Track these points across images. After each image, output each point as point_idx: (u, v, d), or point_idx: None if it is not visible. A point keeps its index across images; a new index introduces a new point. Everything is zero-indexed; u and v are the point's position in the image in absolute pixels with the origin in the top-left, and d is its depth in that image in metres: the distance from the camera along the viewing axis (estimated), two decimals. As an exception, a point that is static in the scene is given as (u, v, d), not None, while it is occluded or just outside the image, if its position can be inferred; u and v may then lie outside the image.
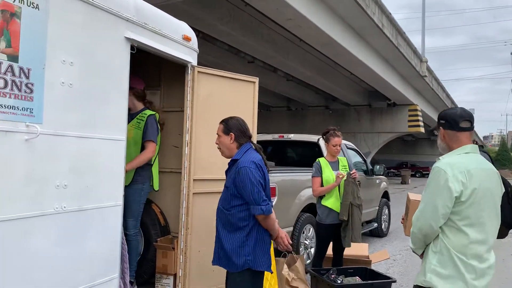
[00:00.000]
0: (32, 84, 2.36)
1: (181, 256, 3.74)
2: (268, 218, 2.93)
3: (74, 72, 2.63)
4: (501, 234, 3.33)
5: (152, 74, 4.57)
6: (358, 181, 5.00)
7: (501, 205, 3.14)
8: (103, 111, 2.87)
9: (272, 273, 3.19)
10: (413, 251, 2.56)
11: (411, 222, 2.58)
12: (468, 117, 2.47)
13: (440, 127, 2.53)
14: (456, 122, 2.46)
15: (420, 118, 24.68)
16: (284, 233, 3.14)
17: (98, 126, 2.83)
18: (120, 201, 3.03)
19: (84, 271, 2.73)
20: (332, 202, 4.77)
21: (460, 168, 2.33)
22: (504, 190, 2.51)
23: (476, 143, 3.33)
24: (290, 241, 3.19)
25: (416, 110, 24.61)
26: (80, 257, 2.70)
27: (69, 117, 2.61)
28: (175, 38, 3.65)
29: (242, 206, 2.92)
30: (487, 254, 2.38)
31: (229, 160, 3.22)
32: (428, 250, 2.44)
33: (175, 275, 3.81)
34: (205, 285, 3.89)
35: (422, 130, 25.19)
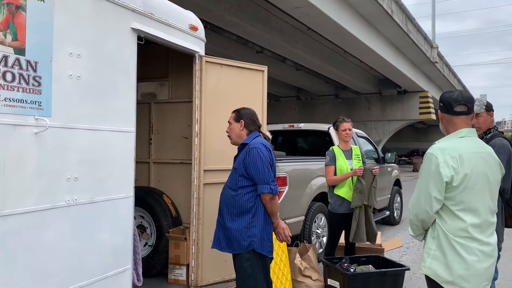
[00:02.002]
0: (40, 77, 2.35)
1: (193, 246, 3.75)
2: (275, 198, 3.01)
3: (81, 64, 2.62)
4: (508, 222, 3.30)
5: (159, 65, 4.56)
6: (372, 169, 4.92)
7: (510, 193, 3.12)
8: (111, 102, 2.86)
9: (272, 258, 3.22)
10: (414, 238, 2.55)
11: None
12: (464, 101, 2.42)
13: (439, 110, 2.52)
14: (451, 105, 2.43)
15: (431, 105, 24.40)
16: (284, 224, 3.17)
17: (107, 118, 2.82)
18: (131, 193, 3.03)
19: (97, 263, 2.75)
20: (345, 192, 4.73)
21: (452, 153, 2.32)
22: (504, 172, 2.47)
23: (496, 130, 3.29)
24: (290, 233, 3.21)
25: (427, 97, 24.33)
26: (93, 249, 2.71)
27: (78, 109, 2.60)
28: (182, 28, 3.62)
29: (249, 188, 2.99)
30: (486, 237, 2.36)
31: (237, 147, 3.25)
32: (427, 236, 2.44)
33: (187, 265, 3.83)
34: (217, 275, 3.90)
35: (434, 117, 24.90)
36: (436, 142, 2.44)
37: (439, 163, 2.32)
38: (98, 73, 2.75)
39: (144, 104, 4.54)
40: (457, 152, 2.33)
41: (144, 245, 4.13)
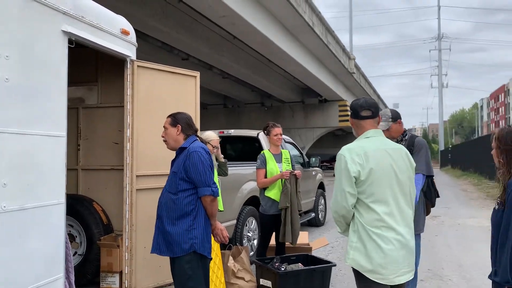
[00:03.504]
0: (-35, 78, 2.25)
1: (127, 253, 3.71)
2: (215, 200, 3.08)
3: (9, 66, 2.52)
4: (426, 211, 3.85)
5: (88, 69, 4.45)
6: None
7: (427, 187, 3.59)
8: (41, 106, 2.78)
9: (211, 259, 3.30)
10: (342, 234, 2.76)
11: None
12: (368, 106, 2.72)
13: (350, 117, 2.83)
14: (358, 111, 2.72)
15: (350, 113, 25.84)
16: (222, 226, 3.28)
17: (37, 122, 2.73)
18: (63, 199, 2.94)
19: (29, 272, 2.64)
20: (275, 193, 4.93)
21: (358, 151, 2.58)
22: (413, 167, 2.75)
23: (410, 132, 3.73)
24: (227, 234, 3.32)
25: (346, 105, 25.75)
26: (24, 258, 2.60)
27: (6, 113, 2.50)
28: (113, 32, 3.60)
29: (189, 191, 3.03)
30: (401, 227, 2.58)
31: (173, 152, 3.29)
32: (349, 230, 2.65)
33: (120, 273, 3.76)
34: (152, 280, 3.88)
35: (352, 124, 26.38)
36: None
37: (347, 161, 2.56)
38: (27, 76, 2.67)
39: (71, 109, 4.39)
40: (363, 150, 2.58)
41: (74, 254, 3.97)
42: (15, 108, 2.56)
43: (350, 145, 2.67)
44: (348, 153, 2.59)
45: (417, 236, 3.62)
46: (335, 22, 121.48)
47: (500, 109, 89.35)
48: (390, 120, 3.68)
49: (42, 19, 2.79)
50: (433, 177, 3.85)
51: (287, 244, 5.45)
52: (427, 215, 3.87)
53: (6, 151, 2.49)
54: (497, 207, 2.40)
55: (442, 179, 27.26)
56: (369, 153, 2.59)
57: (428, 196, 3.74)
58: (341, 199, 2.58)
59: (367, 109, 2.71)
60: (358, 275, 2.62)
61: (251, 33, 13.18)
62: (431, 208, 3.97)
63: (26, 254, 2.63)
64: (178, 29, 12.73)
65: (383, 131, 3.27)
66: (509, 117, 79.56)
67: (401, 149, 2.73)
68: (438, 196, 3.90)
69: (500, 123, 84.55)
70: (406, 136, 3.73)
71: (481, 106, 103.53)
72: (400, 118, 3.76)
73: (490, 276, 2.41)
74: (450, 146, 56.76)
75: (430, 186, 3.75)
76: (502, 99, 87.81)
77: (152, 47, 13.74)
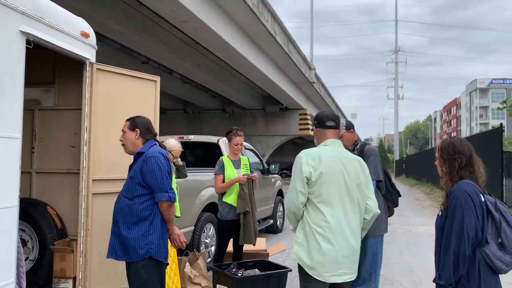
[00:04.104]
0: None
1: (81, 258, 3.64)
2: (172, 206, 3.09)
3: (-37, 64, 2.46)
4: (390, 212, 4.03)
5: (45, 70, 4.36)
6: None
7: (387, 188, 3.78)
8: (-4, 107, 2.72)
9: (168, 264, 3.32)
10: (294, 232, 2.95)
11: None
12: (333, 118, 3.03)
13: (314, 127, 3.08)
14: (323, 121, 3.01)
15: (310, 122, 26.35)
16: (179, 231, 3.29)
17: (-10, 123, 2.67)
18: (16, 202, 2.87)
19: (-24, 277, 2.56)
20: (232, 199, 4.99)
21: (313, 155, 2.85)
22: (367, 176, 2.98)
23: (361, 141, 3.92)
24: (185, 239, 3.34)
25: (306, 114, 26.22)
26: (-29, 262, 2.53)
27: (-42, 112, 2.43)
28: (73, 34, 3.56)
29: (145, 196, 3.03)
30: (345, 229, 2.79)
31: (131, 157, 3.28)
32: (298, 227, 2.89)
33: (74, 278, 3.69)
34: (107, 286, 3.82)
35: (311, 133, 26.88)
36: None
37: (302, 163, 2.82)
38: (-19, 75, 2.60)
39: (26, 111, 4.27)
40: (318, 155, 2.85)
41: (26, 260, 3.85)
42: (-33, 108, 2.50)
43: (308, 150, 2.92)
44: (304, 156, 2.85)
45: (380, 237, 3.75)
46: (296, 32, 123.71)
47: (452, 121, 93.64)
48: (344, 128, 3.85)
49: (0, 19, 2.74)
50: (390, 179, 4.06)
51: (246, 249, 5.51)
52: (389, 216, 4.04)
53: (-44, 152, 2.42)
54: (440, 213, 2.57)
55: (397, 188, 28.15)
56: (322, 158, 2.84)
57: (388, 198, 3.92)
58: (293, 197, 2.82)
59: (331, 120, 3.02)
60: (301, 269, 2.86)
61: (213, 39, 13.23)
62: (394, 208, 4.12)
63: (-25, 259, 2.56)
64: (139, 32, 12.60)
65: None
66: (460, 130, 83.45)
67: (356, 160, 2.97)
68: (399, 195, 4.09)
69: (452, 135, 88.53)
70: (358, 145, 3.91)
71: (435, 118, 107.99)
72: (353, 129, 3.96)
73: (434, 280, 2.57)
74: (405, 156, 58.83)
75: (389, 187, 3.96)
76: (454, 112, 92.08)
77: (112, 50, 13.51)
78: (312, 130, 27.04)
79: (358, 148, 3.88)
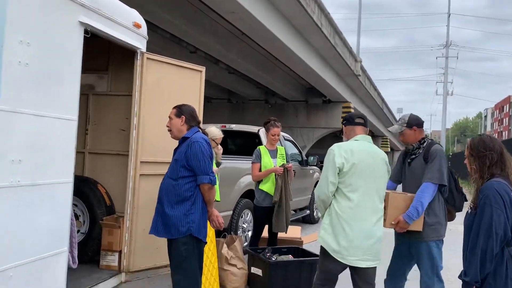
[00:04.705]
0: (-9, 62, 2.46)
1: (127, 234, 3.93)
2: (212, 188, 3.28)
3: (30, 52, 2.73)
4: (451, 217, 3.79)
5: (99, 58, 4.66)
6: (294, 170, 5.42)
7: (450, 192, 3.59)
8: (57, 91, 2.99)
9: (206, 243, 3.53)
10: (322, 218, 3.18)
11: (391, 215, 3.23)
12: (361, 116, 3.38)
13: (343, 126, 3.37)
14: (353, 119, 3.32)
15: (344, 122, 25.91)
16: (218, 213, 3.50)
17: (52, 105, 2.95)
18: (71, 178, 3.16)
19: (36, 243, 2.86)
20: (268, 187, 5.15)
21: (345, 148, 3.09)
22: (390, 171, 3.26)
23: (430, 139, 3.69)
24: (222, 221, 3.54)
25: (349, 107, 25.83)
26: (33, 229, 2.82)
27: (25, 95, 2.71)
28: (126, 25, 3.80)
29: (189, 178, 3.23)
30: (370, 218, 3.03)
31: (176, 142, 3.51)
32: (325, 214, 3.14)
33: (120, 252, 3.98)
34: (149, 261, 4.10)
35: (355, 126, 26.48)
36: None
37: (335, 154, 3.06)
38: (45, 62, 2.88)
39: (82, 95, 4.60)
40: (350, 147, 3.09)
41: (77, 232, 4.19)
42: (32, 91, 2.78)
43: (340, 143, 3.15)
44: (337, 148, 3.09)
45: (439, 241, 3.50)
46: (343, 24, 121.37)
47: (504, 119, 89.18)
48: (405, 125, 3.60)
49: (62, 10, 3.00)
50: (457, 181, 3.68)
51: (281, 236, 5.67)
52: (450, 220, 3.72)
53: (22, 130, 2.71)
54: (469, 210, 2.60)
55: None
56: (354, 150, 3.08)
57: (450, 202, 3.59)
58: (324, 186, 3.06)
59: (360, 118, 3.33)
60: (323, 251, 3.15)
61: (259, 30, 13.33)
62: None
63: (35, 227, 2.85)
64: (187, 22, 12.89)
65: (396, 134, 3.61)
66: (513, 129, 79.43)
67: (382, 153, 3.27)
68: (465, 200, 3.68)
69: (504, 134, 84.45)
70: (424, 144, 3.59)
71: (485, 116, 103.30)
72: (418, 126, 3.63)
73: (460, 276, 2.61)
74: (451, 153, 56.81)
75: (454, 191, 3.61)
76: (507, 110, 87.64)
77: (161, 39, 13.90)
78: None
79: (425, 146, 3.56)
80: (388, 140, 49.13)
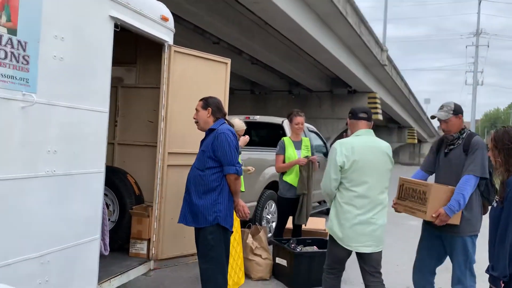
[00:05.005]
0: (28, 56, 2.56)
1: (155, 222, 4.04)
2: (239, 179, 3.36)
3: (64, 46, 2.83)
4: (484, 211, 3.61)
5: (128, 51, 4.75)
6: (318, 162, 5.42)
7: (486, 185, 3.47)
8: (89, 84, 3.09)
9: (233, 232, 3.62)
10: (329, 206, 3.54)
11: (432, 207, 3.28)
12: (365, 110, 3.60)
13: (348, 119, 3.63)
14: (356, 113, 3.56)
15: (379, 106, 25.62)
16: (243, 203, 3.57)
17: (85, 98, 3.05)
18: (103, 168, 3.27)
19: (71, 230, 2.98)
20: (292, 178, 5.19)
21: (347, 145, 3.36)
22: (392, 162, 3.51)
23: (469, 130, 3.61)
24: (248, 211, 3.62)
25: (375, 98, 25.49)
26: (67, 217, 2.95)
27: (60, 88, 2.82)
28: (154, 18, 3.87)
29: (215, 169, 3.31)
30: (371, 209, 3.33)
31: (203, 133, 3.59)
32: (332, 205, 3.48)
33: (149, 240, 4.10)
34: (177, 249, 4.21)
35: (380, 117, 26.19)
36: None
37: (337, 153, 3.34)
38: (78, 56, 2.97)
39: (111, 88, 4.70)
40: (351, 145, 3.36)
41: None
42: (67, 84, 2.88)
43: (343, 140, 3.46)
44: (339, 147, 3.37)
45: (475, 236, 3.46)
46: (370, 12, 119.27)
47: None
48: (451, 112, 3.50)
49: (93, 5, 3.08)
50: (492, 174, 3.49)
51: (305, 227, 5.71)
52: (483, 214, 3.62)
53: (57, 122, 2.81)
54: (496, 204, 2.58)
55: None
56: (355, 147, 3.35)
57: (485, 195, 3.50)
58: (327, 182, 3.40)
59: (364, 112, 3.56)
60: (331, 239, 3.52)
61: (282, 20, 13.27)
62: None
63: (69, 215, 2.97)
64: (211, 13, 12.95)
65: (441, 121, 3.52)
66: (545, 119, 76.83)
67: (385, 148, 3.49)
68: (496, 194, 3.44)
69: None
70: (464, 134, 3.49)
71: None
72: (462, 114, 3.55)
73: (487, 270, 2.59)
74: (480, 145, 55.22)
75: (489, 185, 3.50)
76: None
77: (185, 30, 14.01)
78: (382, 114, 26.38)
79: (465, 137, 3.47)
80: (415, 132, 48.28)
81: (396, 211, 3.65)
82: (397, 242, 7.00)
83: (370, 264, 3.44)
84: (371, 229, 3.32)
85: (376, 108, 25.44)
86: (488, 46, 51.73)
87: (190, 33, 14.46)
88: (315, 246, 5.14)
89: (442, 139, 3.67)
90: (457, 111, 3.51)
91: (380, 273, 3.51)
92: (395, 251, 6.68)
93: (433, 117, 3.62)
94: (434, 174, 3.73)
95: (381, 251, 3.48)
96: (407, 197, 3.51)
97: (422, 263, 3.66)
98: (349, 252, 3.46)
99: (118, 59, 4.70)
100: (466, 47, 48.32)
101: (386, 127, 46.84)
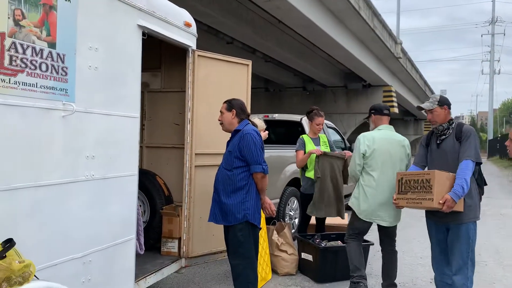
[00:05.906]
0: (67, 68, 2.71)
1: (185, 221, 4.18)
2: (265, 177, 3.47)
3: (98, 56, 2.97)
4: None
5: (153, 57, 4.90)
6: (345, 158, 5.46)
7: (479, 173, 3.59)
8: (121, 91, 3.23)
9: (261, 228, 3.73)
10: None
11: (439, 193, 3.33)
12: (387, 108, 4.36)
13: (372, 115, 4.36)
14: (381, 110, 4.34)
15: (395, 99, 25.45)
16: (270, 201, 3.68)
17: (118, 105, 3.19)
18: (136, 171, 3.41)
19: (108, 231, 3.13)
20: (313, 174, 5.27)
21: (369, 137, 4.17)
22: (408, 154, 4.24)
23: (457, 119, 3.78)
24: (275, 208, 3.73)
25: (391, 91, 25.34)
26: (105, 219, 3.09)
27: (95, 96, 2.96)
28: (178, 25, 4.00)
29: (242, 168, 3.43)
30: (385, 190, 4.04)
31: (227, 134, 3.71)
32: (355, 186, 4.25)
33: (179, 239, 4.24)
34: (206, 247, 4.35)
35: (396, 110, 26.02)
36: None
37: (361, 142, 4.15)
38: (111, 65, 3.12)
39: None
40: (372, 136, 4.16)
41: (140, 221, 4.49)
42: (102, 92, 3.02)
43: (366, 133, 4.24)
44: (362, 138, 4.19)
45: (475, 223, 3.52)
46: (382, 4, 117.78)
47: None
48: (436, 103, 3.64)
49: (123, 16, 3.22)
50: (480, 165, 3.70)
51: (328, 223, 5.79)
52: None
53: (94, 128, 2.96)
54: None
55: (489, 169, 26.56)
56: (376, 139, 4.14)
57: (479, 183, 3.61)
58: (353, 167, 4.22)
59: (386, 109, 4.34)
60: (353, 212, 4.27)
61: (295, 17, 13.33)
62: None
63: (107, 216, 3.12)
64: (224, 13, 13.07)
65: (427, 112, 3.67)
66: None
67: (401, 140, 4.20)
68: (485, 184, 3.75)
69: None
70: (453, 125, 3.64)
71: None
72: (448, 106, 3.68)
73: None
74: (499, 135, 54.50)
75: (481, 174, 3.65)
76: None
77: (199, 31, 14.10)
78: (397, 107, 26.19)
79: (454, 127, 3.60)
80: (432, 123, 47.68)
81: (398, 207, 3.72)
82: (420, 235, 7.04)
83: (386, 235, 4.32)
84: (385, 207, 4.04)
85: (392, 101, 25.28)
86: (504, 34, 50.87)
87: (204, 34, 14.60)
88: (339, 241, 5.22)
89: (431, 133, 3.78)
90: (442, 102, 3.66)
91: (395, 241, 4.39)
92: (418, 244, 6.72)
93: (419, 107, 3.76)
94: (426, 168, 3.80)
95: (396, 226, 4.26)
96: (409, 190, 3.49)
97: (438, 261, 3.73)
98: (369, 224, 4.24)
99: (144, 65, 4.86)
100: (482, 35, 47.62)
101: (403, 119, 46.47)
